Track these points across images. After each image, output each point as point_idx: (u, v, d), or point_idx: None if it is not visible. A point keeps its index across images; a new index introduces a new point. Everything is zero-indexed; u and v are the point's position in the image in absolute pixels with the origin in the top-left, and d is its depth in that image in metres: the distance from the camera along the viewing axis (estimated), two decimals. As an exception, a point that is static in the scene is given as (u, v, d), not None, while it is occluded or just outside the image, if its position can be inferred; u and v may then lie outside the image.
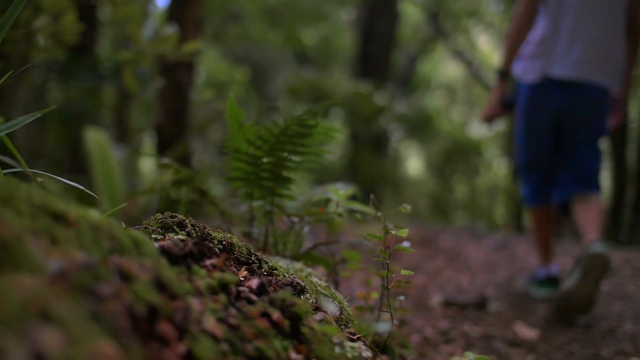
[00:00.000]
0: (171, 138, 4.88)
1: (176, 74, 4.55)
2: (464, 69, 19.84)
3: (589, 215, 4.07)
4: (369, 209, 2.11)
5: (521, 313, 3.79)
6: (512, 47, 4.32)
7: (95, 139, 3.81)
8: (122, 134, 8.73)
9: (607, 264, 3.47)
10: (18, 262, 0.68)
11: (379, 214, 1.78)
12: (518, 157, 4.58)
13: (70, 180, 1.51)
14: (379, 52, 14.17)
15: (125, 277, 0.80)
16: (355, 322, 1.38)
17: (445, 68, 24.17)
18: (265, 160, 1.94)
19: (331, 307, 1.26)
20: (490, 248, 6.89)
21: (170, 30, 3.26)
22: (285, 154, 1.92)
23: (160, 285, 0.86)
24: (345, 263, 2.10)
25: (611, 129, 4.55)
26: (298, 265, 1.78)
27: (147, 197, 3.89)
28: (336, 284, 2.07)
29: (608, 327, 3.39)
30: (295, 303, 1.09)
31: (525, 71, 4.29)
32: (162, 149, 4.97)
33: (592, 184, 4.19)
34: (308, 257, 2.05)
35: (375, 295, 1.99)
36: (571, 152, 4.29)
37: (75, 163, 6.74)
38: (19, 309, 0.61)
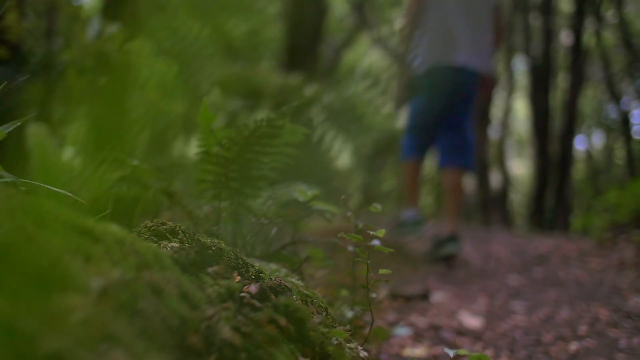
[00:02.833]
0: (110, 134, 4.78)
1: (117, 71, 4.47)
2: (388, 58, 20.06)
3: (452, 197, 5.51)
4: (335, 208, 2.15)
5: (463, 302, 3.89)
6: (406, 38, 5.68)
7: (36, 135, 3.71)
8: (48, 129, 8.49)
9: (456, 258, 5.25)
10: (65, 282, 0.69)
11: (348, 214, 1.82)
12: (412, 120, 5.78)
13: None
14: (306, 44, 14.15)
15: (157, 291, 0.81)
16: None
17: (369, 58, 24.33)
18: (234, 161, 1.95)
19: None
20: (425, 238, 6.99)
21: (114, 29, 3.22)
22: (254, 155, 1.94)
23: (184, 297, 0.88)
24: (310, 261, 2.13)
25: (484, 101, 6.40)
26: (273, 266, 1.80)
27: (92, 197, 3.81)
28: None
29: (547, 313, 3.51)
30: (299, 308, 1.11)
31: (428, 60, 5.49)
32: (100, 144, 4.87)
33: (466, 160, 5.57)
34: (277, 257, 2.07)
35: (344, 293, 2.03)
36: (457, 123, 5.58)
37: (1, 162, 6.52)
38: (82, 329, 0.62)
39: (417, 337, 3.18)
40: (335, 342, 1.17)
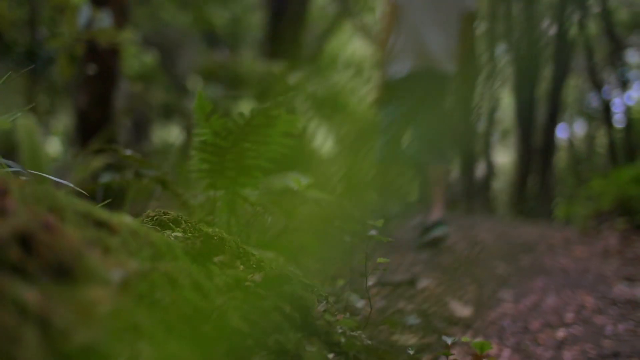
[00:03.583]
0: (96, 124, 4.77)
1: (103, 60, 4.45)
2: (370, 46, 20.02)
3: (437, 189, 5.84)
4: (330, 197, 2.17)
5: (452, 291, 3.91)
6: (381, 49, 5.98)
7: (25, 126, 3.68)
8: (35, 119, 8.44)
9: (443, 241, 5.45)
10: (87, 274, 0.70)
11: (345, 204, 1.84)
12: (386, 124, 6.13)
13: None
14: (288, 31, 14.08)
15: (172, 281, 0.82)
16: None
17: (352, 46, 24.26)
18: (230, 150, 1.95)
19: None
20: (412, 228, 7.00)
21: (104, 17, 3.20)
22: (250, 145, 1.94)
23: (196, 287, 0.89)
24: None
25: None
26: (270, 254, 1.81)
27: (79, 185, 3.79)
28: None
29: (534, 301, 3.54)
30: (303, 296, 1.12)
31: (397, 68, 5.83)
32: (86, 134, 4.86)
33: (443, 156, 5.90)
34: (272, 246, 2.07)
35: (341, 282, 2.05)
36: (429, 125, 5.95)
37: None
38: (109, 322, 0.63)
39: (409, 326, 3.19)
40: (340, 331, 1.18)
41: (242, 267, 1.26)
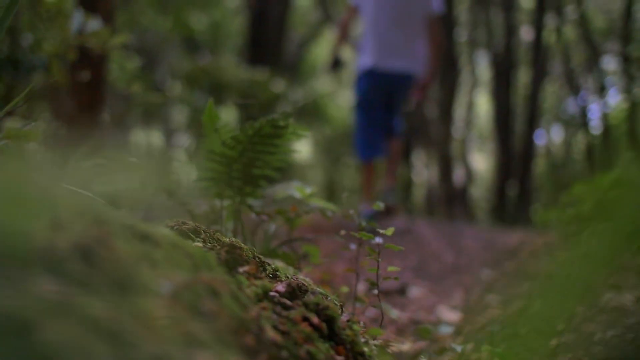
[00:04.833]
0: (84, 130, 4.74)
1: (93, 65, 4.43)
2: (351, 52, 20.08)
3: (391, 162, 6.71)
4: (334, 206, 2.18)
5: (440, 297, 3.94)
6: (338, 40, 6.88)
7: (12, 132, 3.65)
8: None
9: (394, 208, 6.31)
10: (142, 287, 0.71)
11: (350, 212, 1.86)
12: (359, 121, 6.77)
13: None
14: (270, 37, 14.11)
15: (214, 293, 0.83)
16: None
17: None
18: (237, 160, 1.96)
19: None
20: (395, 234, 7.03)
21: (95, 22, 3.20)
22: (257, 155, 1.96)
23: (235, 298, 0.90)
24: (308, 258, 2.17)
25: (416, 104, 7.65)
26: (280, 263, 1.82)
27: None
28: (301, 279, 2.11)
29: (522, 306, 3.56)
30: (329, 306, 1.14)
31: (362, 63, 6.49)
32: (73, 140, 4.80)
33: (394, 132, 6.65)
34: (276, 254, 2.09)
35: (344, 289, 2.07)
36: (386, 116, 6.65)
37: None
38: (169, 332, 0.64)
39: (399, 332, 3.21)
40: (363, 341, 1.20)
41: (263, 276, 1.27)
